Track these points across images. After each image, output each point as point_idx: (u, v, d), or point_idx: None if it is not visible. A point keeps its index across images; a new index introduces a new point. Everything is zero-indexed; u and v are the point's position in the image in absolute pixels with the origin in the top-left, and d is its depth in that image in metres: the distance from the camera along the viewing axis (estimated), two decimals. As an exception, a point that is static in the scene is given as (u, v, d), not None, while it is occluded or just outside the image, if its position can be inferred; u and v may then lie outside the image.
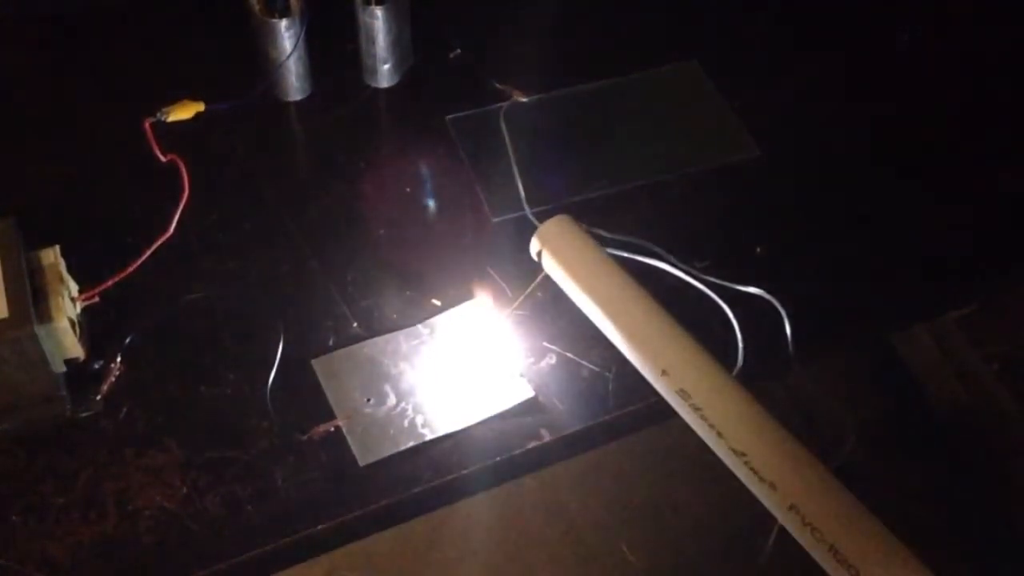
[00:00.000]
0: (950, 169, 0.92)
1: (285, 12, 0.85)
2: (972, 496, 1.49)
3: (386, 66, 0.92)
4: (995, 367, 1.49)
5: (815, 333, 0.76)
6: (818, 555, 0.59)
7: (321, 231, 0.82)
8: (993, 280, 0.89)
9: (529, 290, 0.76)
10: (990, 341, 1.51)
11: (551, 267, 0.74)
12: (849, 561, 0.57)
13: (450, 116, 0.91)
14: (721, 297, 0.74)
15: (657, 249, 0.75)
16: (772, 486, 0.60)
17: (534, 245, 0.75)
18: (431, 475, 0.69)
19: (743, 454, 0.62)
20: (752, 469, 0.61)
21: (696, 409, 0.64)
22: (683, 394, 0.65)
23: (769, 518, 0.62)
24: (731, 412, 0.63)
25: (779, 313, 0.74)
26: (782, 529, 0.61)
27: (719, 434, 0.63)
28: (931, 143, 0.94)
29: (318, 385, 0.72)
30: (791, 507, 0.59)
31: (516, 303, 0.77)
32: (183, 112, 0.85)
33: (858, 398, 1.60)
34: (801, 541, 0.60)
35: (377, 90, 0.94)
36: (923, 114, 0.96)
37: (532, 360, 0.75)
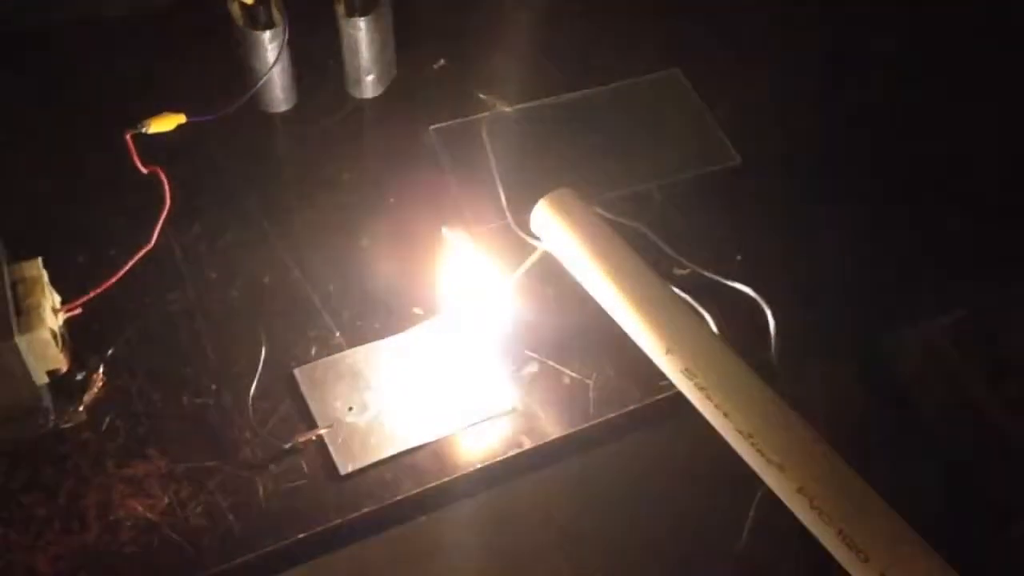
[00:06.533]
0: (936, 173, 0.93)
1: (268, 24, 0.86)
2: (962, 501, 1.49)
3: (369, 77, 0.92)
4: (984, 372, 1.50)
5: (800, 338, 0.77)
6: (825, 538, 0.57)
7: (304, 241, 0.83)
8: (982, 284, 0.89)
9: (526, 265, 0.74)
10: (979, 346, 1.51)
11: (554, 239, 0.72)
12: (858, 544, 0.55)
13: (433, 127, 0.92)
14: (705, 302, 0.74)
15: (652, 236, 0.74)
16: (779, 467, 0.59)
17: (535, 217, 0.73)
18: (412, 483, 0.69)
19: (750, 435, 0.60)
20: (759, 450, 0.60)
21: (701, 388, 0.62)
22: (688, 373, 0.63)
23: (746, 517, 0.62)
24: (738, 392, 0.62)
25: (764, 318, 0.74)
26: (754, 523, 0.60)
27: (725, 414, 0.61)
28: (916, 148, 0.95)
29: (300, 394, 0.73)
30: (799, 489, 0.58)
31: (513, 277, 0.75)
32: (164, 124, 0.84)
33: (844, 402, 1.60)
34: (808, 524, 0.58)
35: (361, 101, 0.94)
36: (907, 121, 0.97)
37: (514, 368, 0.76)
